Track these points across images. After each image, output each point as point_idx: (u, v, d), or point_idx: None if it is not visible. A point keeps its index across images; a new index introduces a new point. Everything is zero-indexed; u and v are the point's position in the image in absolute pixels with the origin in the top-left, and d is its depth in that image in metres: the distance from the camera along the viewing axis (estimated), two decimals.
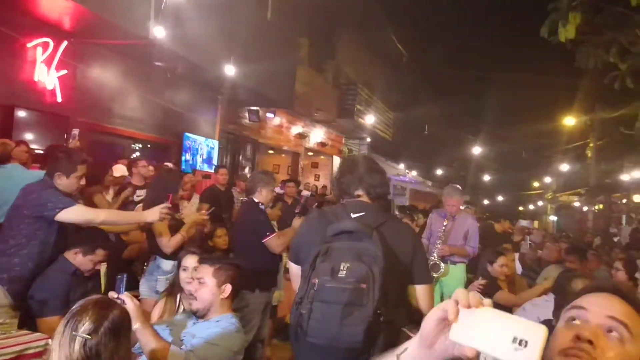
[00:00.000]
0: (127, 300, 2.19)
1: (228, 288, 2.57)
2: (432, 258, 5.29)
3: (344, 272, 2.02)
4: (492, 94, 27.28)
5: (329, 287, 2.01)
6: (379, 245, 2.07)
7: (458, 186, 5.77)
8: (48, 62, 6.69)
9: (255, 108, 11.53)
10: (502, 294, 4.30)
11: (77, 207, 3.35)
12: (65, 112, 7.04)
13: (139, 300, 3.57)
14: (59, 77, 6.86)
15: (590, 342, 1.05)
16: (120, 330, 1.85)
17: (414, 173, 24.26)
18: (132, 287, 3.91)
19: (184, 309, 3.05)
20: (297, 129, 14.47)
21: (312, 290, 2.04)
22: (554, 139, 23.09)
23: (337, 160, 16.62)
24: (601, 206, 21.98)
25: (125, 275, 2.36)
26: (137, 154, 8.87)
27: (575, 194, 23.73)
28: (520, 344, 0.80)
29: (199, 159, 10.02)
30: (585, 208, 23.10)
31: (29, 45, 6.51)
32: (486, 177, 33.94)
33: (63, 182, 3.39)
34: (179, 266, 3.18)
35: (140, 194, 5.48)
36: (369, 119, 16.01)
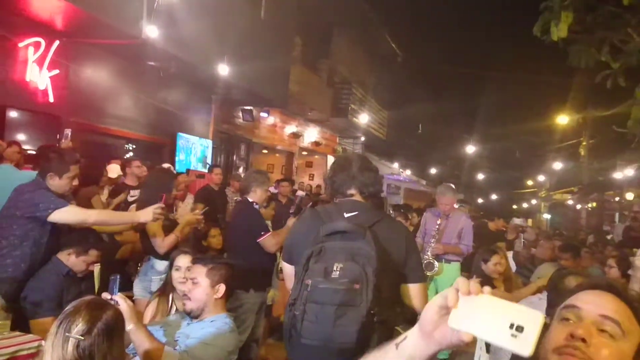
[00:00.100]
0: (121, 302, 2.18)
1: (222, 288, 2.56)
2: (426, 257, 5.31)
3: (337, 272, 2.02)
4: (486, 92, 27.41)
5: (322, 288, 2.01)
6: (372, 245, 2.07)
7: (451, 185, 5.78)
8: (40, 61, 6.65)
9: (249, 107, 11.51)
10: (496, 292, 4.29)
11: (70, 208, 3.33)
12: (58, 112, 7.01)
13: (132, 301, 3.56)
14: (51, 77, 6.82)
15: (583, 340, 1.06)
16: (113, 331, 1.84)
17: (408, 172, 24.30)
18: (126, 287, 3.89)
19: (176, 309, 3.04)
20: (291, 128, 14.46)
21: (306, 291, 2.04)
22: (547, 138, 23.21)
23: (331, 160, 16.62)
24: (594, 204, 22.09)
25: (118, 276, 2.35)
26: (131, 154, 8.83)
27: (569, 192, 23.84)
28: (517, 330, 0.82)
29: (192, 159, 9.99)
30: (578, 206, 23.21)
31: (21, 45, 6.47)
32: (480, 176, 34.04)
33: (55, 183, 3.37)
34: (171, 266, 3.17)
35: (134, 194, 5.46)
36: (363, 118, 16.01)
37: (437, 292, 5.19)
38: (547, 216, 28.96)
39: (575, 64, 7.86)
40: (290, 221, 4.22)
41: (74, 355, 1.73)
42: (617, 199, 19.78)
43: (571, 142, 21.47)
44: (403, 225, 2.59)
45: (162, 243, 3.87)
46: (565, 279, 2.42)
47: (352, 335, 1.94)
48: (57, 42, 6.75)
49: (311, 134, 15.72)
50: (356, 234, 2.13)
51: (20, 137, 6.51)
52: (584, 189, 20.80)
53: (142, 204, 3.82)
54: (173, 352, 2.31)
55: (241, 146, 12.75)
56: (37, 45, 6.58)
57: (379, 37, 17.43)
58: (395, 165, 23.12)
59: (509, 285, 4.88)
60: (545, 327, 1.16)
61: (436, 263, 5.31)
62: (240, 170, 12.03)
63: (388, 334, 1.99)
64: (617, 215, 19.69)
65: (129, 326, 2.15)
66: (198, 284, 2.54)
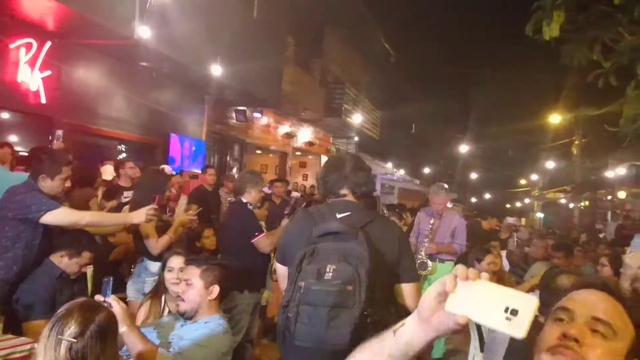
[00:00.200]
0: (114, 304, 2.18)
1: (216, 289, 2.56)
2: (420, 256, 5.32)
3: (330, 274, 2.02)
4: (479, 92, 27.53)
5: (315, 289, 2.02)
6: (364, 246, 2.07)
7: (444, 184, 5.80)
8: (32, 62, 6.60)
9: (242, 108, 11.49)
10: None
11: (62, 209, 3.32)
12: (50, 114, 6.97)
13: (126, 302, 3.54)
14: (42, 78, 6.77)
15: (576, 340, 1.07)
16: (106, 333, 1.83)
17: (401, 172, 24.33)
18: (120, 289, 3.88)
19: (169, 311, 3.03)
20: (284, 128, 14.45)
21: (299, 293, 2.04)
22: (540, 137, 23.34)
23: (325, 160, 16.60)
24: (587, 203, 22.25)
25: (111, 279, 2.34)
26: (123, 155, 8.80)
27: (562, 191, 24.00)
28: (511, 313, 0.84)
29: (186, 160, 9.96)
30: (571, 205, 23.34)
31: (12, 46, 6.42)
32: (473, 175, 34.19)
33: (47, 184, 3.36)
34: (163, 267, 3.15)
35: (127, 195, 5.44)
36: (357, 118, 16.02)
37: None
38: (540, 215, 29.10)
39: (567, 63, 7.90)
40: (285, 222, 4.22)
41: (67, 358, 1.72)
42: (609, 197, 19.93)
43: (564, 141, 21.60)
44: (396, 225, 2.59)
45: (156, 244, 3.86)
46: (557, 278, 2.43)
47: (346, 336, 1.95)
48: (49, 43, 6.71)
49: (305, 134, 15.72)
50: (349, 234, 2.13)
51: (12, 138, 6.48)
52: (577, 188, 20.94)
53: (135, 205, 3.81)
54: (167, 353, 2.30)
55: (234, 147, 12.73)
56: (28, 46, 6.54)
57: (372, 36, 17.45)
58: (389, 165, 23.15)
59: (502, 285, 4.89)
60: (540, 327, 1.18)
61: (429, 262, 5.32)
62: (234, 170, 12.01)
63: None
64: (609, 213, 19.84)
65: (122, 328, 2.15)
66: (192, 285, 2.54)
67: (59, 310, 1.84)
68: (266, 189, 7.32)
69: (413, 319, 0.97)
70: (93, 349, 1.76)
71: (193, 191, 7.42)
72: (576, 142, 20.32)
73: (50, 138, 6.89)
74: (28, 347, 2.72)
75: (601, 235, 12.96)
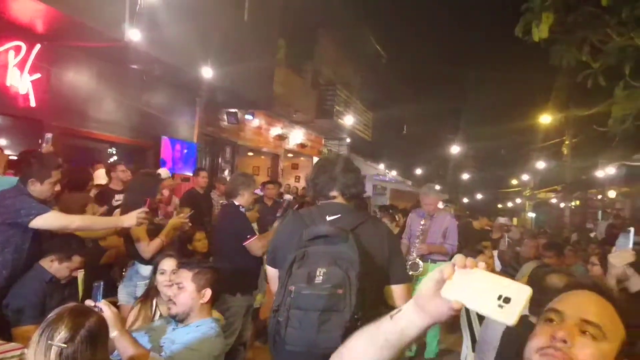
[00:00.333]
0: (105, 308, 2.17)
1: (208, 293, 2.56)
2: (412, 257, 5.33)
3: (321, 277, 2.02)
4: (470, 93, 27.66)
5: (305, 294, 2.02)
6: (354, 249, 2.07)
7: (434, 185, 5.83)
8: (21, 65, 6.56)
9: (233, 110, 11.47)
10: None
11: (52, 214, 3.30)
12: (40, 117, 6.92)
13: (117, 306, 3.52)
14: (32, 81, 6.72)
15: (564, 341, 1.08)
16: (97, 338, 1.82)
17: (393, 173, 24.40)
18: (111, 293, 3.86)
19: (160, 314, 3.01)
20: (276, 130, 14.44)
21: (289, 297, 2.04)
22: (531, 137, 23.51)
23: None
24: (578, 202, 22.38)
25: (101, 283, 2.33)
26: (114, 158, 8.75)
27: (553, 191, 24.14)
28: (504, 301, 0.86)
29: (177, 162, 9.93)
30: (562, 204, 23.49)
31: (1, 49, 6.37)
32: (465, 176, 34.33)
33: (37, 189, 3.34)
34: (155, 270, 3.14)
35: (119, 198, 5.41)
36: (348, 120, 16.05)
37: None
38: (532, 215, 29.27)
39: (556, 64, 7.95)
40: (277, 224, 4.22)
41: None
42: (599, 197, 20.06)
43: (554, 141, 21.74)
44: (385, 227, 2.60)
45: (147, 248, 3.84)
46: (547, 277, 2.44)
47: (337, 340, 1.94)
48: (38, 46, 6.67)
49: (297, 136, 15.72)
50: (339, 237, 2.13)
51: (2, 142, 6.42)
52: (568, 188, 21.07)
53: (126, 209, 3.78)
54: (158, 357, 2.30)
55: (226, 149, 12.70)
56: (17, 49, 6.49)
57: (363, 38, 17.49)
58: (381, 166, 23.21)
59: None
60: (532, 327, 1.19)
61: (421, 263, 5.33)
62: (226, 173, 11.99)
63: None
64: (599, 213, 19.96)
65: (114, 333, 2.14)
66: (184, 288, 2.53)
67: (49, 316, 1.83)
68: (258, 191, 7.31)
69: (411, 305, 1.01)
70: (83, 354, 1.75)
71: (185, 194, 7.40)
72: (566, 142, 20.45)
73: (40, 142, 6.84)
74: (18, 352, 2.70)
75: (592, 235, 13.06)
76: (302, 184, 16.16)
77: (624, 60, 7.26)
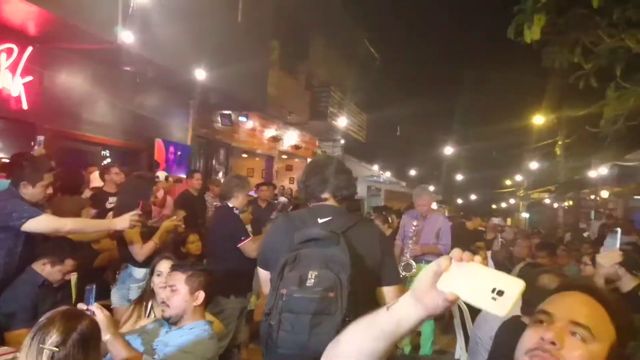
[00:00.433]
0: (97, 311, 2.16)
1: (201, 295, 2.55)
2: (405, 258, 5.34)
3: (312, 280, 2.02)
4: (464, 94, 27.76)
5: (297, 297, 2.02)
6: (346, 252, 2.07)
7: (427, 186, 5.84)
8: (13, 68, 6.52)
9: (227, 112, 11.46)
10: None
11: (44, 217, 3.28)
12: (32, 119, 6.88)
13: (110, 309, 3.51)
14: (24, 84, 6.69)
15: (553, 343, 1.09)
16: (89, 341, 1.81)
17: (388, 174, 24.44)
18: (104, 296, 3.84)
19: (154, 316, 3.01)
20: (270, 132, 14.44)
21: (281, 300, 2.04)
22: (524, 138, 23.63)
23: None
24: (571, 202, 22.48)
25: (94, 286, 2.32)
26: (108, 160, 8.72)
27: (546, 191, 24.23)
28: (497, 294, 0.88)
29: (171, 165, 9.90)
30: (555, 204, 23.59)
31: None
32: (459, 177, 34.42)
33: (29, 192, 3.33)
34: (152, 271, 3.13)
35: (113, 201, 5.39)
36: (342, 121, 16.06)
37: None
38: (525, 215, 29.38)
39: (549, 65, 7.99)
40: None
41: None
42: (592, 197, 20.15)
43: (547, 142, 21.86)
44: (377, 228, 2.60)
45: (140, 250, 3.83)
46: (539, 277, 2.45)
47: (328, 343, 1.95)
48: (30, 48, 6.63)
49: (291, 138, 15.72)
50: (330, 240, 2.12)
51: None
52: (561, 188, 21.17)
53: (119, 211, 3.78)
54: None
55: (220, 151, 12.68)
56: (9, 52, 6.46)
57: (357, 40, 17.51)
58: (375, 167, 23.24)
59: None
60: (519, 325, 1.20)
61: (414, 264, 5.34)
62: (220, 175, 11.97)
63: None
64: (592, 212, 20.07)
65: (106, 336, 2.13)
66: (177, 291, 2.53)
67: (40, 319, 1.82)
68: (252, 193, 7.30)
69: (407, 297, 1.03)
70: (75, 357, 1.75)
71: (179, 196, 7.38)
72: (559, 143, 20.57)
73: (32, 144, 6.81)
74: (10, 356, 2.68)
75: (585, 234, 13.11)
76: (296, 185, 16.13)
77: (615, 61, 7.32)
